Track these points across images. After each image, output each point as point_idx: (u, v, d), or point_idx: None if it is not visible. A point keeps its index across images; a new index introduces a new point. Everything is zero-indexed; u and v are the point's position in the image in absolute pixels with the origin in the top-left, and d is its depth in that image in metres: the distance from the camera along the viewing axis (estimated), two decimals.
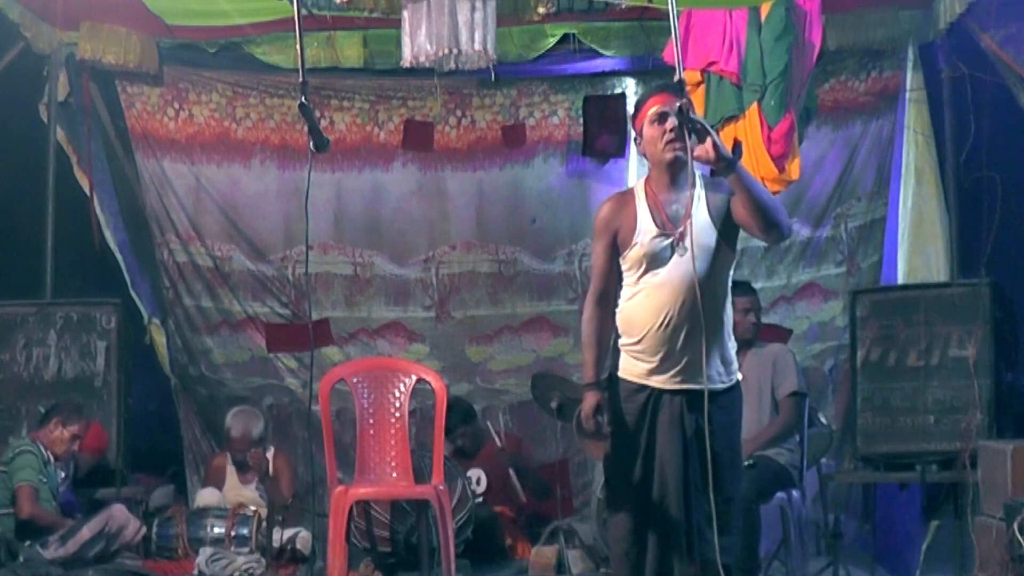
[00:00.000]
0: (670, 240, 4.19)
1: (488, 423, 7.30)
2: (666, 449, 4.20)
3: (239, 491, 6.97)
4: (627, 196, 4.33)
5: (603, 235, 4.30)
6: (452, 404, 7.23)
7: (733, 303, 5.95)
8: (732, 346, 4.32)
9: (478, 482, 7.08)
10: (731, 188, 4.20)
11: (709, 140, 4.01)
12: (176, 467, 7.69)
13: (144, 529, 6.54)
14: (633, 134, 4.37)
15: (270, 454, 7.06)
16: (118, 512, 6.40)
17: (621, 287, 4.31)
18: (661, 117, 4.19)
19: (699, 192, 4.24)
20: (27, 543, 6.24)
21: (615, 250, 4.28)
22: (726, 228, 4.22)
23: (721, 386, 4.25)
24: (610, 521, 4.39)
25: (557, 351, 7.74)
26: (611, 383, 4.32)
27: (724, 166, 4.06)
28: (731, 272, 4.31)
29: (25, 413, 6.79)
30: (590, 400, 4.28)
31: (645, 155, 4.34)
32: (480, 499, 6.95)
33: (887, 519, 6.92)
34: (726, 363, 4.28)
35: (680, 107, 4.05)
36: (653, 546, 4.20)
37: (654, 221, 4.21)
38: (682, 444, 4.19)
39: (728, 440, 4.27)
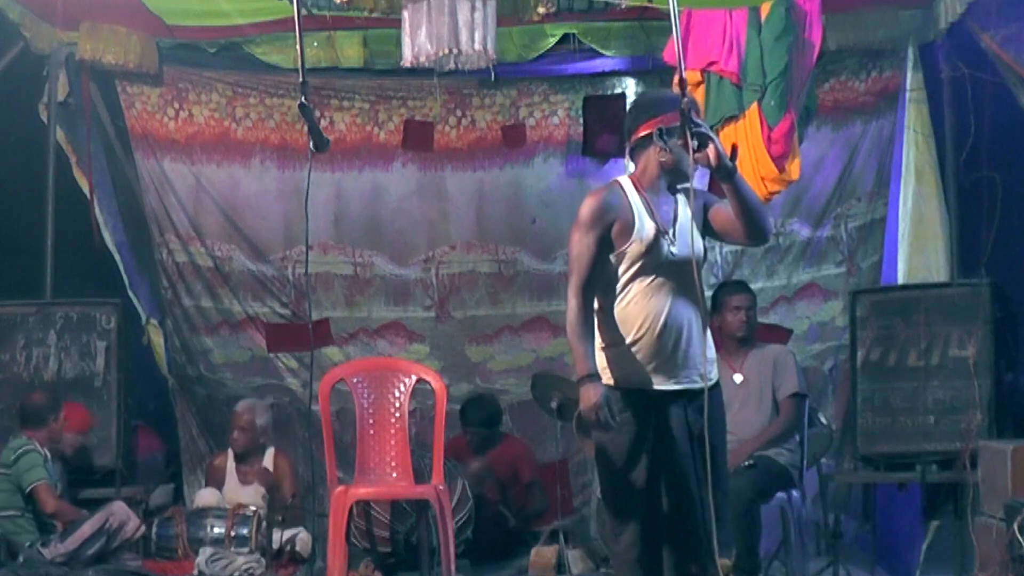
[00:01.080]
0: (667, 239, 4.20)
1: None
2: (677, 451, 4.18)
3: (239, 492, 6.97)
4: (618, 191, 4.28)
5: (597, 226, 4.20)
6: (477, 401, 7.24)
7: (726, 301, 6.13)
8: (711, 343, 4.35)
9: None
10: (706, 198, 4.31)
11: (712, 147, 4.02)
12: (174, 467, 7.70)
13: (144, 528, 6.54)
14: (636, 136, 4.33)
15: (270, 453, 7.08)
16: (118, 509, 6.41)
17: (602, 281, 4.26)
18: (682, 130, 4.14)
19: (681, 197, 4.27)
20: (28, 543, 6.24)
21: (607, 244, 4.22)
22: (700, 223, 4.27)
23: (711, 383, 4.26)
24: (615, 529, 4.29)
25: (557, 351, 7.73)
26: (609, 391, 4.28)
27: (724, 173, 4.07)
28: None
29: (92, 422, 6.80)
30: (593, 392, 4.13)
31: (634, 158, 4.33)
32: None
33: (887, 519, 6.91)
34: (711, 360, 4.30)
35: (682, 108, 4.06)
36: (671, 551, 4.18)
37: (652, 220, 4.22)
38: (690, 443, 4.19)
39: (722, 435, 4.32)
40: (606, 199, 4.24)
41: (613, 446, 4.25)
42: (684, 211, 4.25)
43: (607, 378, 4.23)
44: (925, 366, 6.59)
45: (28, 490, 6.34)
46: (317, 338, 7.55)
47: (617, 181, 4.33)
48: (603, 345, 4.26)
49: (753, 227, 4.19)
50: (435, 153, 7.67)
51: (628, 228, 4.20)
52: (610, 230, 4.21)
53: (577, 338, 4.20)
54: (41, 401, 6.63)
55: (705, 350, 4.20)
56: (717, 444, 4.21)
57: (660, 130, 4.20)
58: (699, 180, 4.49)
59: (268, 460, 7.09)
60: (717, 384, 4.33)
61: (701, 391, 4.15)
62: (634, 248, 4.20)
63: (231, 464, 7.10)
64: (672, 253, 4.19)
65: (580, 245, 4.21)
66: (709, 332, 4.33)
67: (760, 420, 5.97)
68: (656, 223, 4.21)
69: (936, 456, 6.43)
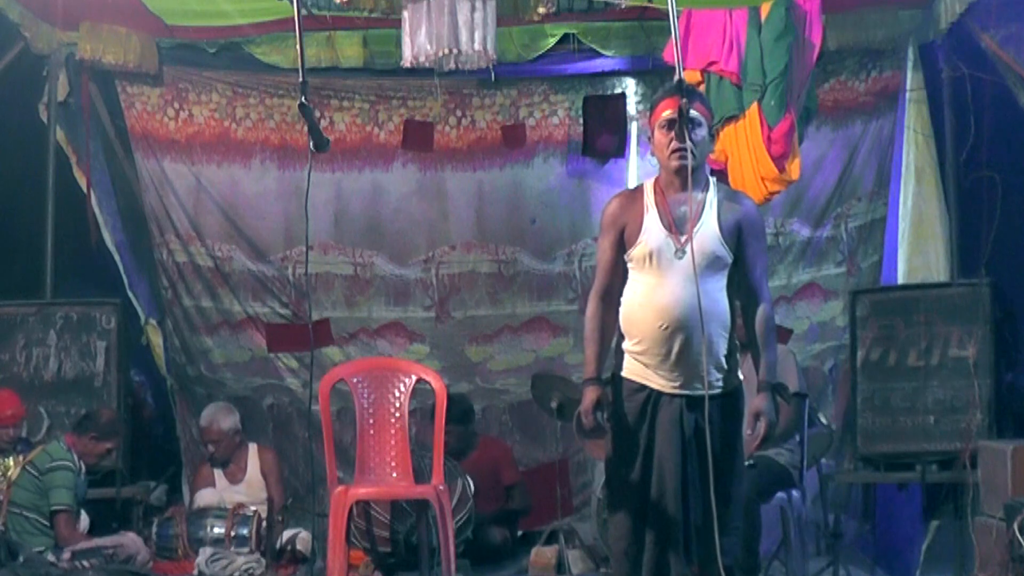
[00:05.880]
0: (674, 241, 4.20)
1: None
2: (665, 449, 4.21)
3: (231, 496, 6.98)
4: (636, 193, 4.36)
5: (610, 230, 4.31)
6: (452, 400, 7.20)
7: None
8: (736, 350, 4.33)
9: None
10: (750, 207, 4.32)
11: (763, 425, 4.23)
12: (175, 468, 7.69)
13: (152, 563, 6.50)
14: (648, 132, 4.40)
15: (253, 449, 7.14)
16: (129, 542, 6.34)
17: (626, 284, 4.32)
18: (670, 124, 4.21)
19: (712, 198, 4.26)
20: (41, 549, 6.19)
21: (621, 246, 4.29)
22: (733, 244, 4.25)
23: (720, 390, 4.25)
24: (610, 520, 4.42)
25: (557, 351, 7.74)
26: (613, 382, 4.33)
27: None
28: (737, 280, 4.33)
29: (25, 414, 6.76)
30: (590, 395, 4.29)
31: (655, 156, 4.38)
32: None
33: (887, 519, 6.92)
34: (727, 368, 4.28)
35: (680, 107, 4.08)
36: (650, 545, 4.22)
37: (660, 221, 4.23)
38: (681, 444, 4.20)
39: (727, 442, 4.27)
40: (618, 203, 4.35)
41: (613, 439, 4.32)
42: (710, 212, 4.24)
43: (622, 367, 4.29)
44: (925, 366, 6.59)
45: (51, 509, 6.25)
46: (317, 338, 7.55)
47: (641, 184, 4.42)
48: (618, 340, 4.34)
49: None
50: (435, 153, 7.67)
51: (637, 229, 4.25)
52: (622, 233, 4.27)
53: (588, 341, 4.35)
54: (103, 420, 6.51)
55: (705, 355, 4.18)
56: (721, 451, 4.19)
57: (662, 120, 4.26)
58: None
59: (252, 456, 7.13)
60: (737, 391, 4.32)
61: (710, 396, 4.15)
62: (639, 249, 4.23)
63: (217, 469, 7.12)
64: (682, 253, 4.19)
65: (600, 250, 4.37)
66: (734, 338, 4.34)
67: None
68: (664, 225, 4.22)
69: (936, 456, 6.43)
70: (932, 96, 7.12)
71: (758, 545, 5.62)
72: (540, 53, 7.43)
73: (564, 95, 7.69)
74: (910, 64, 7.21)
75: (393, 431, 6.14)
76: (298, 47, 3.99)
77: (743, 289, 4.30)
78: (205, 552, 6.51)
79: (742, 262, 4.27)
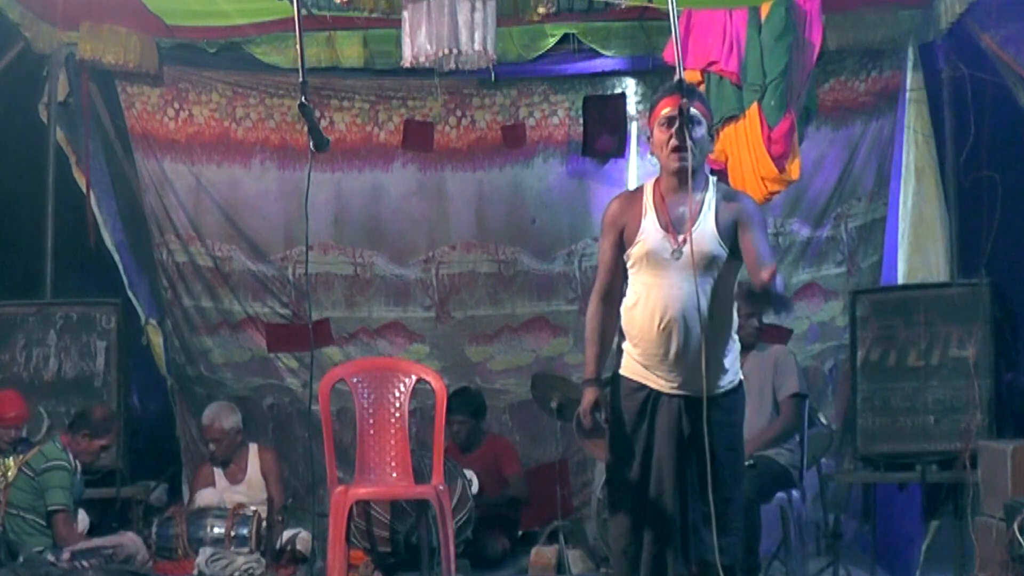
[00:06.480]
0: (671, 242, 4.20)
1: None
2: (663, 448, 4.21)
3: (231, 493, 6.98)
4: (636, 194, 4.36)
5: (610, 231, 4.32)
6: (463, 392, 7.21)
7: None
8: (735, 349, 4.32)
9: (470, 484, 7.04)
10: (748, 203, 4.29)
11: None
12: (175, 468, 7.70)
13: (152, 563, 6.49)
14: (648, 132, 4.39)
15: (253, 449, 7.14)
16: (129, 542, 6.34)
17: (627, 285, 4.32)
18: (670, 121, 4.20)
19: (710, 198, 4.25)
20: (39, 549, 6.19)
21: (621, 247, 4.30)
22: (730, 242, 4.24)
23: (719, 390, 4.25)
24: (610, 519, 4.43)
25: (557, 351, 7.74)
26: (613, 381, 4.34)
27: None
28: (735, 279, 4.31)
29: (29, 415, 6.74)
30: (588, 396, 4.31)
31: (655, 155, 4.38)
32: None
33: (887, 519, 6.92)
34: (726, 368, 4.28)
35: (681, 107, 4.08)
36: (649, 544, 4.22)
37: (658, 221, 4.23)
38: (679, 444, 4.20)
39: (727, 441, 4.27)
40: (618, 204, 4.35)
41: (612, 438, 4.33)
42: (708, 212, 4.24)
43: (621, 366, 4.29)
44: (925, 366, 6.59)
45: (48, 510, 6.24)
46: (317, 338, 7.55)
47: (642, 185, 4.41)
48: (619, 340, 4.36)
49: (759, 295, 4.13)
50: (435, 153, 7.68)
51: (635, 229, 4.26)
52: (621, 234, 4.28)
53: (588, 341, 4.37)
54: (95, 417, 6.48)
55: (703, 355, 4.17)
56: (717, 450, 4.18)
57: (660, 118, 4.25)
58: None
59: (253, 455, 7.13)
60: (737, 389, 4.32)
61: (708, 395, 4.15)
62: (638, 249, 4.24)
63: (217, 468, 7.12)
64: (679, 254, 4.19)
65: (600, 251, 4.37)
66: (734, 337, 4.33)
67: (760, 420, 5.96)
68: (662, 225, 4.22)
69: (936, 456, 6.43)
70: (932, 96, 7.12)
71: (758, 545, 5.63)
72: (540, 53, 7.43)
73: (564, 95, 7.69)
74: (910, 64, 7.22)
75: (393, 431, 6.14)
76: (298, 47, 4.00)
77: (749, 264, 4.18)
78: (205, 552, 6.51)
79: (744, 244, 4.19)
